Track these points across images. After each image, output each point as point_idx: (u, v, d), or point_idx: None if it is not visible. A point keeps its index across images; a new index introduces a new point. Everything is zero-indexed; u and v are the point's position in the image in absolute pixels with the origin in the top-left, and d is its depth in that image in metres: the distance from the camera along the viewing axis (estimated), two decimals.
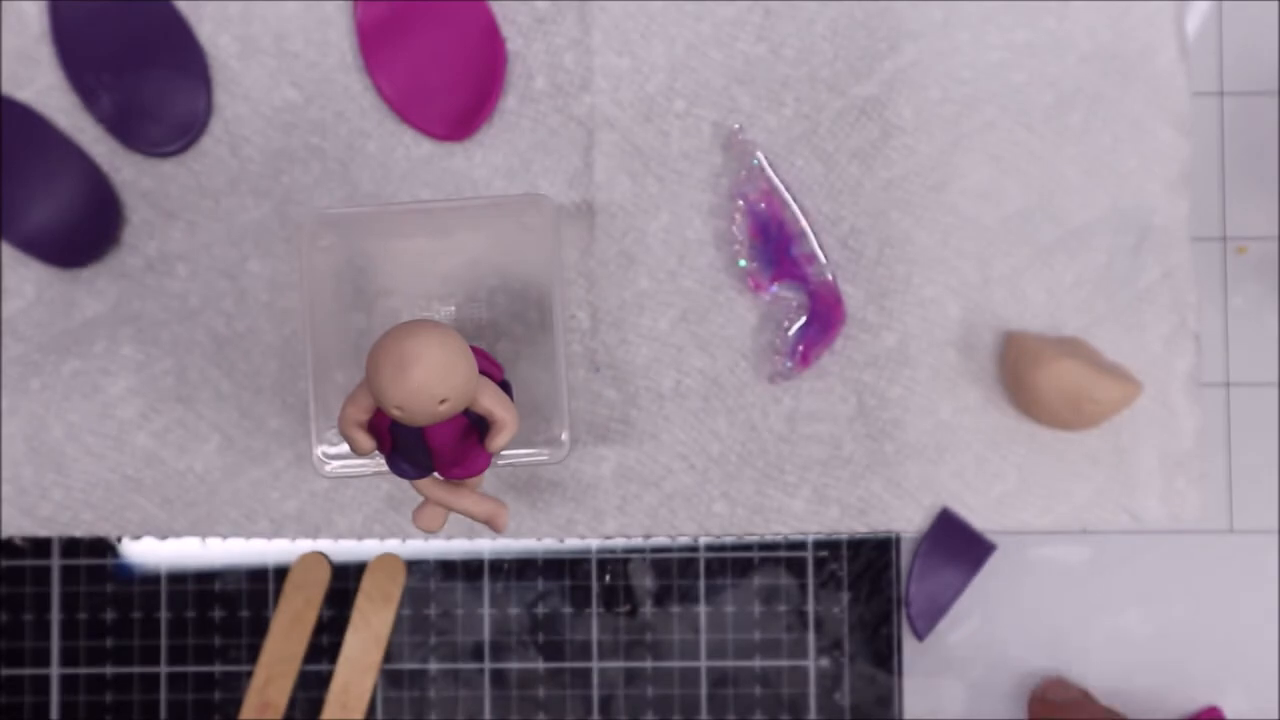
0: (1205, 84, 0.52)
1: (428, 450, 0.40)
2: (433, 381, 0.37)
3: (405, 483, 0.47)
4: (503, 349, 0.47)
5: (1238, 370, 0.52)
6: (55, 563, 0.52)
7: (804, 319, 0.51)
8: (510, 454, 0.46)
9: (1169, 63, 0.51)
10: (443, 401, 0.38)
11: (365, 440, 0.40)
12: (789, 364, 0.51)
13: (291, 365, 0.51)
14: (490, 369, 0.42)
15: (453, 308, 0.47)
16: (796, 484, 0.51)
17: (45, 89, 0.51)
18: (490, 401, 0.40)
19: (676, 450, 0.51)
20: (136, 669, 0.52)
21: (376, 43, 0.51)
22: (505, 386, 0.42)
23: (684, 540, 0.52)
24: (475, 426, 0.40)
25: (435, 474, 0.43)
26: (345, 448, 0.46)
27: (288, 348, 0.51)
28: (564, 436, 0.46)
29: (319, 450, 0.46)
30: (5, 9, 0.51)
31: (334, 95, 0.51)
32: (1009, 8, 0.51)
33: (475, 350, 0.41)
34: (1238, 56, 0.52)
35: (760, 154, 0.51)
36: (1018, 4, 0.51)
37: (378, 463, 0.45)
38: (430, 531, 0.43)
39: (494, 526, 0.43)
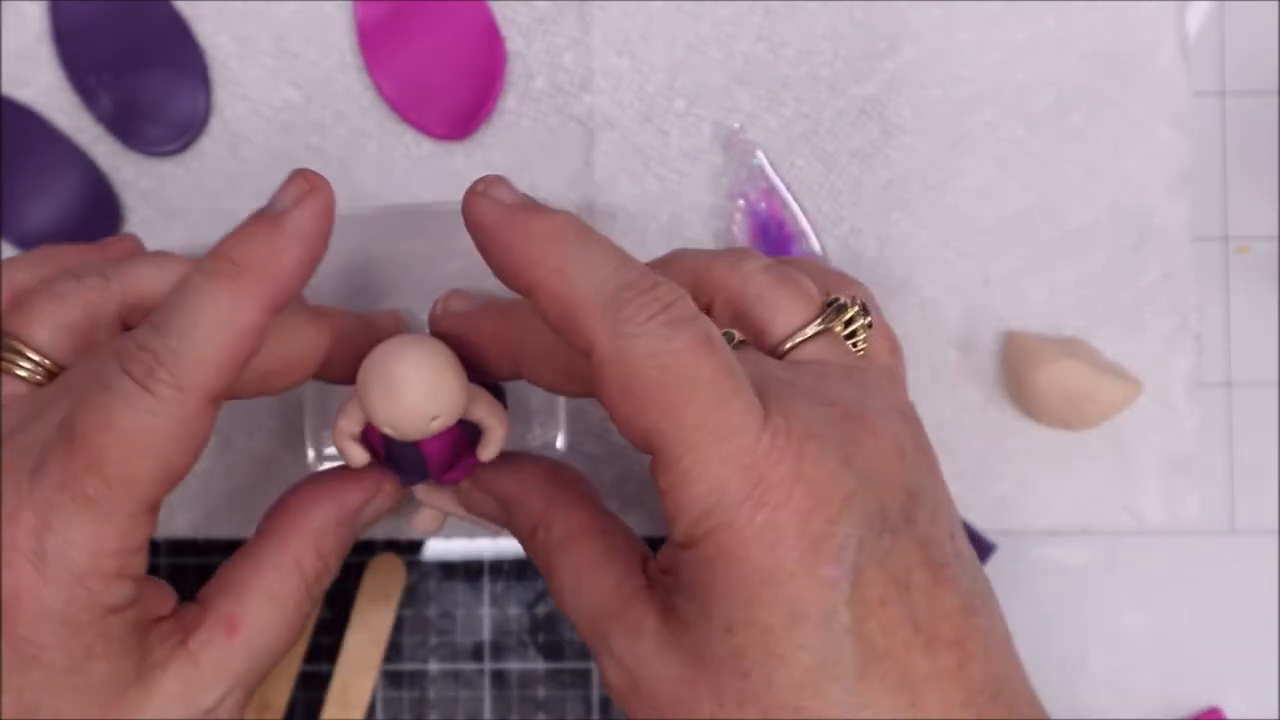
0: (1206, 83, 0.52)
1: (422, 458, 0.40)
2: (422, 401, 0.37)
3: None
4: None
5: (1239, 370, 0.52)
6: None
7: None
8: None
9: (1169, 62, 0.51)
10: (434, 419, 0.38)
11: (359, 453, 0.40)
12: None
13: None
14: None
15: None
16: None
17: (45, 89, 0.51)
18: (482, 411, 0.40)
19: None
20: None
21: (376, 43, 0.51)
22: (498, 390, 0.42)
23: None
24: (468, 434, 0.40)
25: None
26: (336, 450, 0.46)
27: None
28: (559, 441, 0.46)
29: (310, 455, 0.46)
30: (5, 9, 0.51)
31: (334, 95, 0.51)
32: (1009, 8, 0.51)
33: None
34: (1239, 56, 0.52)
35: (760, 154, 0.51)
36: (1018, 4, 0.51)
37: None
38: (429, 533, 0.43)
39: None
